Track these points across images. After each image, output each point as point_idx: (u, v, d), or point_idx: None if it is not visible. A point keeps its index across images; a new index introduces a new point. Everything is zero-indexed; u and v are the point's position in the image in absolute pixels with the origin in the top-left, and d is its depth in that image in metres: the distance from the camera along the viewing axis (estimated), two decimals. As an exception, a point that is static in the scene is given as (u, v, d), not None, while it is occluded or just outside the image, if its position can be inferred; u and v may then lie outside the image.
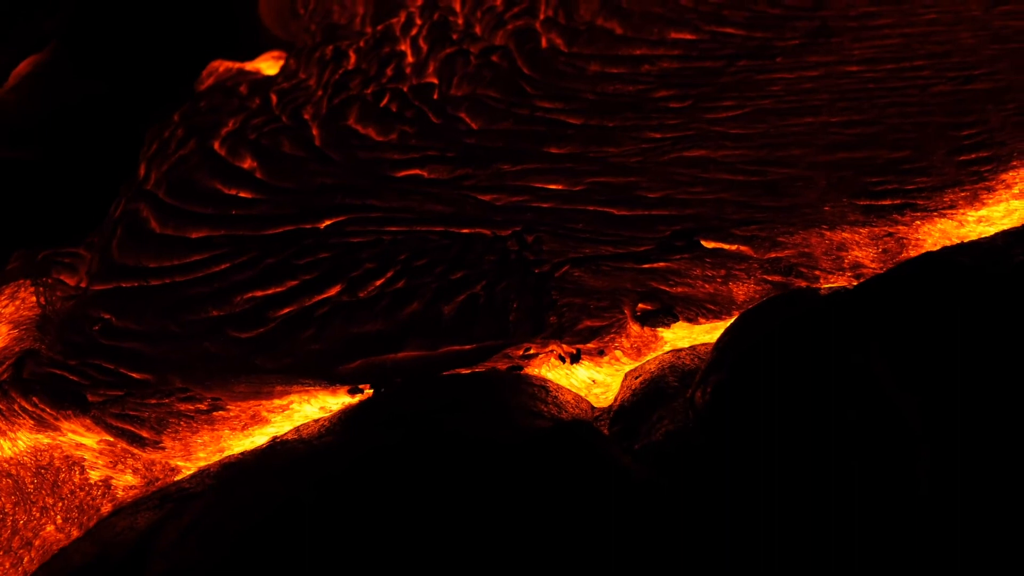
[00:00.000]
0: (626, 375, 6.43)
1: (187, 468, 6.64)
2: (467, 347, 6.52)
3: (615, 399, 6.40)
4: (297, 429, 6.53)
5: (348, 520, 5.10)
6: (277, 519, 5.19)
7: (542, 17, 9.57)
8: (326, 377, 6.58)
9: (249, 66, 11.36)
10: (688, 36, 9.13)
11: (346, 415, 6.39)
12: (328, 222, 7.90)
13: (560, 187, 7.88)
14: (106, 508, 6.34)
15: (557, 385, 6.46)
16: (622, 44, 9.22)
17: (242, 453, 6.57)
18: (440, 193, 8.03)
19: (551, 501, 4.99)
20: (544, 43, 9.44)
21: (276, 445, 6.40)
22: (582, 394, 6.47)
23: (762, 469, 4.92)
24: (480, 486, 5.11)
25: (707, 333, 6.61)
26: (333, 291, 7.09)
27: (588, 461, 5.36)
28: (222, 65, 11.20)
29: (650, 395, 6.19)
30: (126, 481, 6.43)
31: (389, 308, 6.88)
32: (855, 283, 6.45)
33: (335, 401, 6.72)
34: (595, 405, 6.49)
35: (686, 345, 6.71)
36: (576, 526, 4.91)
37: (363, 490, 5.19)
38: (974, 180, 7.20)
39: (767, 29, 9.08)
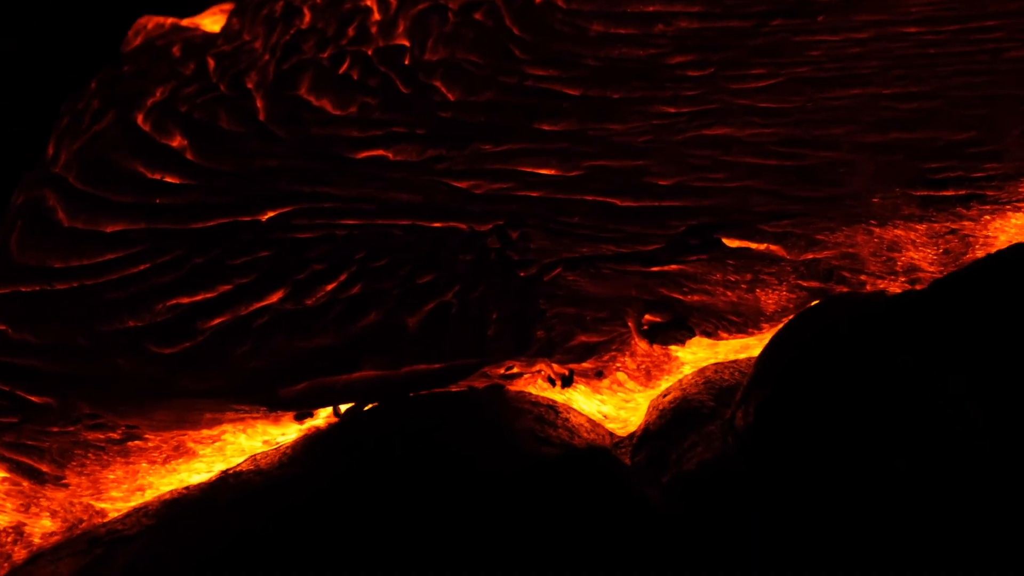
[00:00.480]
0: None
1: (116, 509, 6.45)
2: (435, 366, 6.40)
3: (641, 422, 6.38)
4: (253, 459, 6.50)
5: (312, 556, 5.11)
6: (228, 554, 5.12)
7: (537, -36, 9.46)
8: (266, 401, 6.51)
9: (187, 22, 11.24)
10: (712, -11, 9.01)
11: (313, 441, 6.36)
12: (271, 213, 7.87)
13: (552, 172, 7.84)
14: (20, 555, 6.24)
15: (567, 405, 6.41)
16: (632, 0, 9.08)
17: (186, 488, 6.50)
18: (407, 178, 7.99)
19: (559, 542, 5.02)
20: (538, -4, 9.33)
21: (228, 478, 6.38)
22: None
23: (818, 506, 4.95)
24: (472, 524, 5.14)
25: (735, 352, 6.49)
26: (274, 297, 7.03)
27: (605, 495, 5.40)
28: (151, 21, 11.06)
29: (681, 417, 6.19)
30: (43, 527, 6.38)
31: (342, 319, 6.81)
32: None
33: (278, 431, 6.64)
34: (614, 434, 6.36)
35: (707, 363, 6.53)
36: (591, 573, 4.89)
37: (330, 523, 5.16)
38: None
39: (809, -19, 8.92)
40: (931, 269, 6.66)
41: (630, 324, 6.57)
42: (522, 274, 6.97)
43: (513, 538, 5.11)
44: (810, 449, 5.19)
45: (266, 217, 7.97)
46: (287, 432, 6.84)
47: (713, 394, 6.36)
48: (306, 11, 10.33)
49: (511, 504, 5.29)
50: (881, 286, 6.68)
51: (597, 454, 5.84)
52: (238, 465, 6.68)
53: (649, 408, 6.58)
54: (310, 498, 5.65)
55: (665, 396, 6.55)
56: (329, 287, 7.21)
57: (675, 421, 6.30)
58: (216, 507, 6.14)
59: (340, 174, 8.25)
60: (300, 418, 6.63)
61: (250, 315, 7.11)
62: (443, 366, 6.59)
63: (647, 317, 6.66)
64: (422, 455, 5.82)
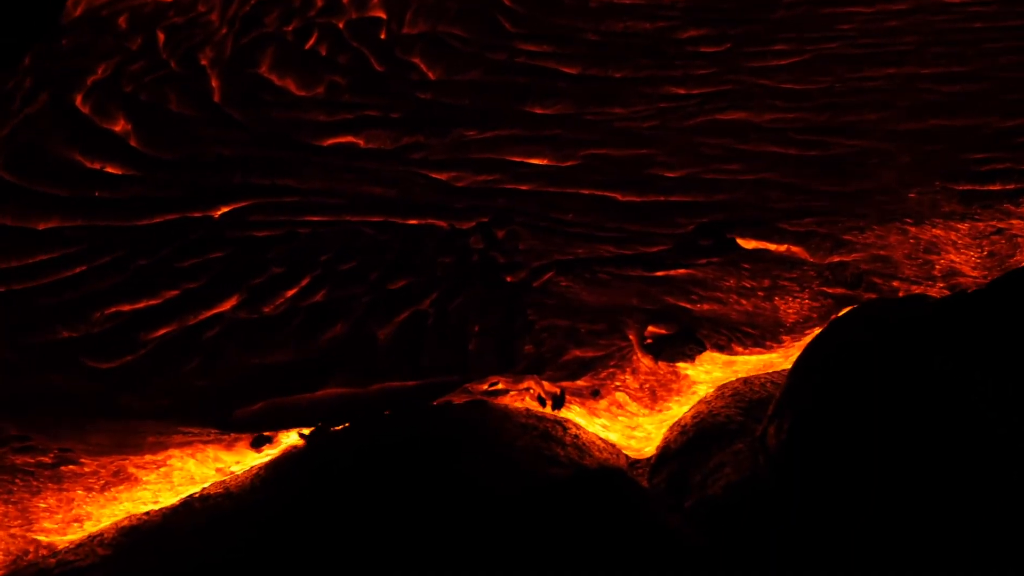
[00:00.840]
0: None
1: (64, 540, 6.47)
2: (409, 383, 6.41)
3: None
4: (224, 483, 6.42)
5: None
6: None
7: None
8: (217, 423, 6.52)
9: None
10: (730, -47, 9.05)
11: (290, 461, 6.32)
12: (225, 209, 7.88)
13: (545, 162, 7.84)
14: (-37, 590, 6.29)
15: (576, 422, 6.36)
16: (639, -35, 9.13)
17: (146, 513, 6.44)
18: (379, 169, 7.98)
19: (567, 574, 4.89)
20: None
21: (194, 502, 6.34)
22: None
23: (860, 533, 4.88)
24: (469, 552, 5.09)
25: (756, 371, 6.49)
26: (227, 305, 7.05)
27: (620, 522, 5.35)
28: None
29: (705, 433, 6.13)
30: (-16, 559, 6.37)
31: (303, 330, 6.81)
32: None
33: (232, 457, 6.65)
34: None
35: (725, 381, 6.53)
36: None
37: (311, 554, 5.25)
38: None
39: (839, -56, 8.96)
40: (974, 274, 6.66)
41: (631, 337, 6.56)
42: (509, 279, 6.95)
43: (511, 565, 5.06)
44: (856, 472, 5.09)
45: (219, 213, 7.96)
46: (243, 460, 6.84)
47: (741, 407, 6.31)
48: (269, -22, 10.35)
49: (511, 535, 5.26)
50: (915, 292, 6.63)
51: (610, 476, 5.83)
52: (205, 488, 6.60)
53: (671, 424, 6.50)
54: (288, 526, 5.64)
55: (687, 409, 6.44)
56: (289, 293, 7.19)
57: (698, 438, 6.23)
58: (180, 534, 6.10)
59: (304, 164, 8.24)
60: (257, 445, 6.61)
61: (199, 325, 7.10)
62: (418, 383, 6.55)
63: (650, 329, 6.64)
64: (415, 478, 5.82)
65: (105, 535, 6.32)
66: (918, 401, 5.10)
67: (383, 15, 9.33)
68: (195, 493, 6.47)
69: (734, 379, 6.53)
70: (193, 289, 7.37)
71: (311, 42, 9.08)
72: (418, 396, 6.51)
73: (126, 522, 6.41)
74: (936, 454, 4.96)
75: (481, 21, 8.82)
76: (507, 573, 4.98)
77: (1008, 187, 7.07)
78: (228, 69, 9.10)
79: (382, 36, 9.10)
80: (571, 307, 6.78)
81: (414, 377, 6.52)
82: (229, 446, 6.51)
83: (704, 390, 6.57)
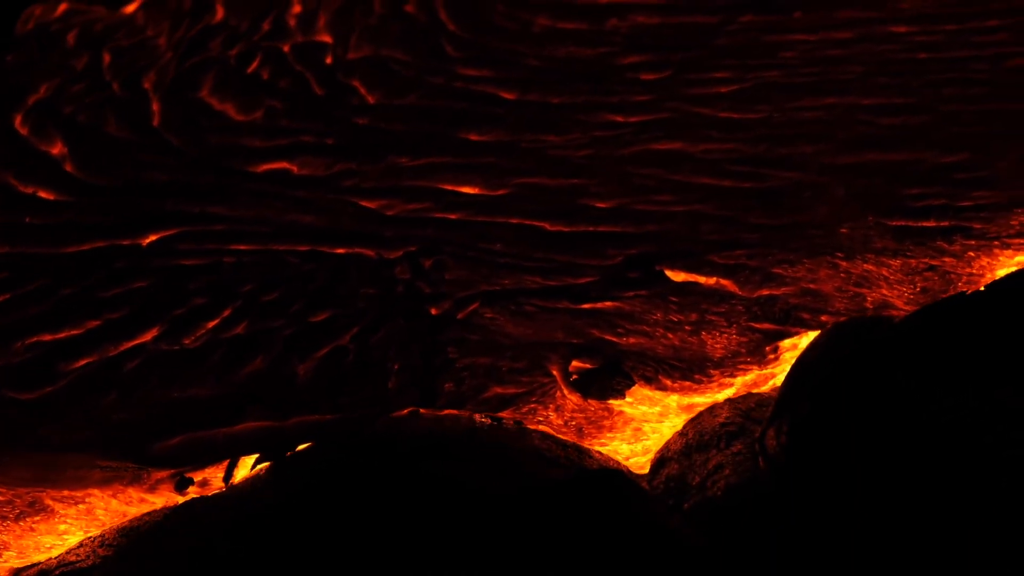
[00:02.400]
0: None
1: (60, 544, 6.54)
2: (328, 417, 6.36)
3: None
4: (228, 484, 6.48)
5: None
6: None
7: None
8: (137, 458, 6.45)
9: (99, 8, 11.22)
10: (676, -21, 9.01)
11: (294, 462, 6.38)
12: (153, 237, 7.86)
13: (476, 190, 7.85)
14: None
15: None
16: (583, -11, 9.09)
17: (148, 513, 6.50)
18: (310, 197, 7.99)
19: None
20: (479, -18, 9.34)
21: (195, 503, 6.39)
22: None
23: (859, 535, 4.93)
24: (467, 552, 5.13)
25: (696, 399, 6.40)
26: (148, 336, 7.02)
27: (620, 522, 5.37)
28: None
29: (705, 436, 6.18)
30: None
31: (224, 364, 6.80)
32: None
33: (159, 499, 6.60)
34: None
35: (663, 416, 6.55)
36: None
37: (316, 551, 5.34)
38: None
39: (786, -30, 8.93)
40: (907, 308, 6.61)
41: (555, 373, 6.51)
42: (433, 310, 6.93)
43: (514, 571, 5.06)
44: (855, 474, 5.14)
45: (148, 241, 7.93)
46: (170, 501, 6.79)
47: (740, 409, 6.35)
48: (219, 7, 10.31)
49: (512, 534, 5.29)
50: (844, 319, 6.59)
51: (610, 477, 5.82)
52: (205, 490, 6.65)
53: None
54: (293, 524, 5.67)
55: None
56: (210, 324, 7.17)
57: (697, 440, 6.28)
58: (182, 534, 6.15)
59: (236, 191, 8.22)
60: (181, 488, 6.58)
61: (120, 356, 7.06)
62: (337, 417, 6.50)
63: (575, 364, 6.58)
64: (417, 478, 5.84)
65: (106, 536, 6.39)
66: (917, 404, 5.14)
67: (329, 39, 9.24)
68: (197, 496, 6.52)
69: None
70: (114, 319, 7.33)
71: (254, 66, 9.06)
72: (337, 429, 6.46)
73: (126, 522, 6.46)
74: (933, 458, 4.99)
75: (423, 45, 8.81)
76: (506, 573, 5.01)
77: (942, 224, 7.04)
78: (169, 93, 9.08)
79: (328, 61, 9.03)
80: (493, 344, 6.74)
81: (333, 411, 6.44)
82: (152, 489, 6.46)
83: (649, 427, 6.48)
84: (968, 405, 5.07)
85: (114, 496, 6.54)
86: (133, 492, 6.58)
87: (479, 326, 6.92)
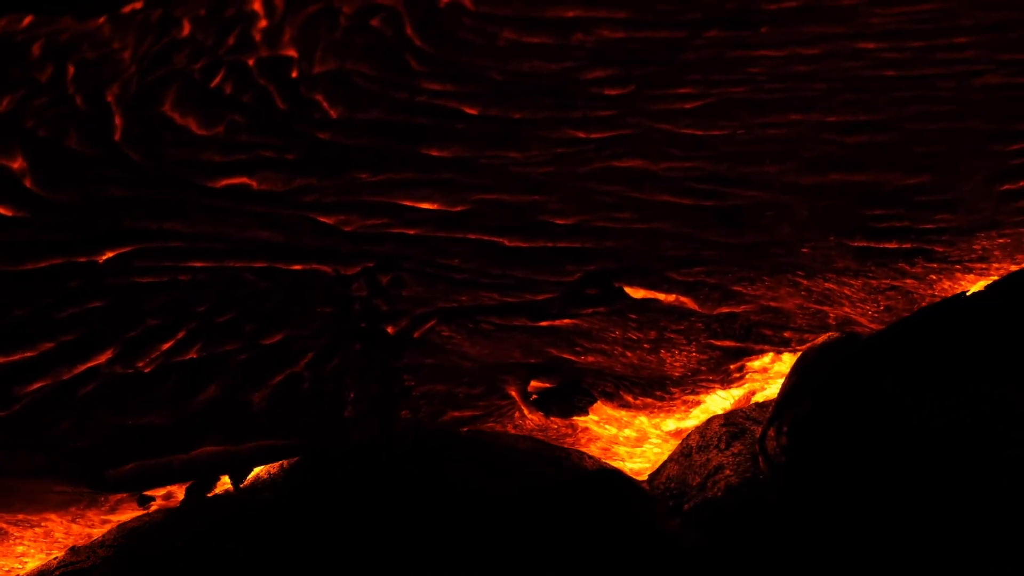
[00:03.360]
0: None
1: (19, 567, 6.49)
2: (283, 441, 6.33)
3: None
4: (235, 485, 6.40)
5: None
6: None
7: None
8: (93, 483, 6.40)
9: (67, 19, 11.20)
10: (643, -8, 9.00)
11: (300, 468, 6.30)
12: (110, 254, 7.82)
13: (435, 206, 7.85)
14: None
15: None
16: (550, 3, 9.11)
17: (148, 515, 6.43)
18: (268, 213, 7.96)
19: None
20: (446, -3, 9.34)
21: (196, 504, 6.38)
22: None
23: (862, 536, 4.93)
24: (464, 552, 5.14)
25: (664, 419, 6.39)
26: (102, 358, 6.98)
27: (620, 523, 5.38)
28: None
29: (706, 438, 6.16)
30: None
31: (177, 391, 6.77)
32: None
33: (118, 516, 6.55)
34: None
35: (641, 441, 6.50)
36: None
37: (307, 549, 5.36)
38: (1019, 221, 7.02)
39: (753, -16, 8.94)
40: (872, 326, 6.61)
41: (513, 394, 6.48)
42: (390, 329, 6.89)
43: (513, 571, 5.06)
44: (855, 475, 5.12)
45: (104, 258, 7.89)
46: (130, 515, 6.76)
47: (743, 412, 6.32)
48: (186, 22, 10.30)
49: (511, 534, 5.29)
50: (810, 337, 6.60)
51: (610, 477, 5.80)
52: (212, 490, 6.58)
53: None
54: (292, 525, 5.66)
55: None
56: (164, 346, 7.13)
57: (697, 440, 6.26)
58: (182, 535, 6.11)
59: (194, 207, 8.21)
60: (144, 503, 6.55)
61: (74, 380, 7.02)
62: (295, 442, 6.47)
63: (534, 384, 6.55)
64: (416, 479, 5.86)
65: (107, 537, 6.33)
66: (909, 407, 5.12)
67: (294, 53, 9.23)
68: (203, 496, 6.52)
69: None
70: (68, 342, 7.27)
71: (217, 79, 9.05)
72: (295, 451, 6.43)
73: (127, 522, 6.41)
74: (930, 459, 5.00)
75: (388, 59, 8.79)
76: (505, 573, 5.01)
77: (904, 246, 7.04)
78: (132, 107, 9.08)
79: (293, 74, 9.01)
80: (451, 368, 6.75)
81: (289, 437, 6.41)
82: (113, 510, 6.46)
83: (623, 451, 6.47)
84: (962, 405, 5.05)
85: (73, 521, 6.52)
86: (93, 515, 6.55)
87: (436, 346, 6.89)
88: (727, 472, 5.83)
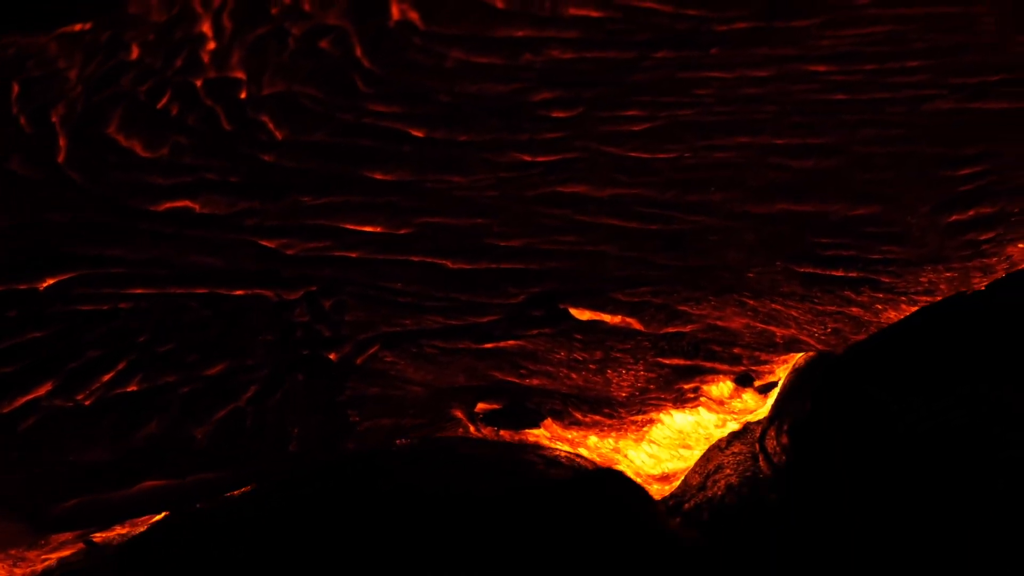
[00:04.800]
0: None
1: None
2: (227, 473, 6.32)
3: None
4: (219, 498, 6.42)
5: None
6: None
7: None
8: (35, 521, 6.37)
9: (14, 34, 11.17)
10: (593, 13, 9.06)
11: (294, 482, 6.34)
12: (51, 281, 7.81)
13: (378, 229, 7.91)
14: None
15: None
16: (500, 23, 9.12)
17: (150, 520, 6.44)
18: (210, 237, 7.96)
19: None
20: (396, 14, 9.34)
21: (195, 512, 6.35)
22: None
23: (861, 535, 5.00)
24: (465, 552, 5.21)
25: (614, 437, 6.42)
26: (42, 390, 6.97)
27: (621, 522, 5.42)
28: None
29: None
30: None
31: (118, 427, 6.78)
32: (791, 356, 6.35)
33: (60, 554, 6.51)
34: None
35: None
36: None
37: (298, 555, 5.40)
38: (966, 255, 7.11)
39: (704, 5, 8.99)
40: (819, 346, 6.61)
41: (460, 416, 6.49)
42: (333, 356, 6.86)
43: (510, 566, 5.06)
44: (854, 474, 5.16)
45: (44, 285, 7.87)
46: (62, 553, 6.73)
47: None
48: (135, 47, 10.28)
49: (512, 534, 5.27)
50: (763, 358, 6.59)
51: (610, 477, 5.77)
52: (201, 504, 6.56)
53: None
54: (281, 537, 5.62)
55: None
56: (105, 377, 7.12)
57: None
58: (182, 539, 6.11)
59: (135, 232, 8.21)
60: (88, 545, 6.51)
61: (15, 413, 7.01)
62: (238, 475, 6.45)
63: (481, 406, 6.56)
64: (416, 481, 5.84)
65: (106, 542, 6.38)
66: (904, 411, 5.14)
67: (242, 75, 9.23)
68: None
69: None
70: (6, 373, 7.26)
71: (163, 101, 9.07)
72: (238, 483, 6.41)
73: (127, 529, 6.47)
74: (928, 459, 5.09)
75: (336, 81, 8.80)
76: (506, 573, 5.05)
77: (851, 275, 7.10)
78: (77, 129, 9.04)
79: (242, 95, 9.00)
80: (394, 398, 6.76)
81: (232, 470, 6.39)
82: (55, 550, 6.39)
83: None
84: (955, 407, 5.09)
85: (15, 565, 6.44)
86: (34, 556, 6.49)
87: (379, 372, 6.91)
88: (727, 471, 5.88)
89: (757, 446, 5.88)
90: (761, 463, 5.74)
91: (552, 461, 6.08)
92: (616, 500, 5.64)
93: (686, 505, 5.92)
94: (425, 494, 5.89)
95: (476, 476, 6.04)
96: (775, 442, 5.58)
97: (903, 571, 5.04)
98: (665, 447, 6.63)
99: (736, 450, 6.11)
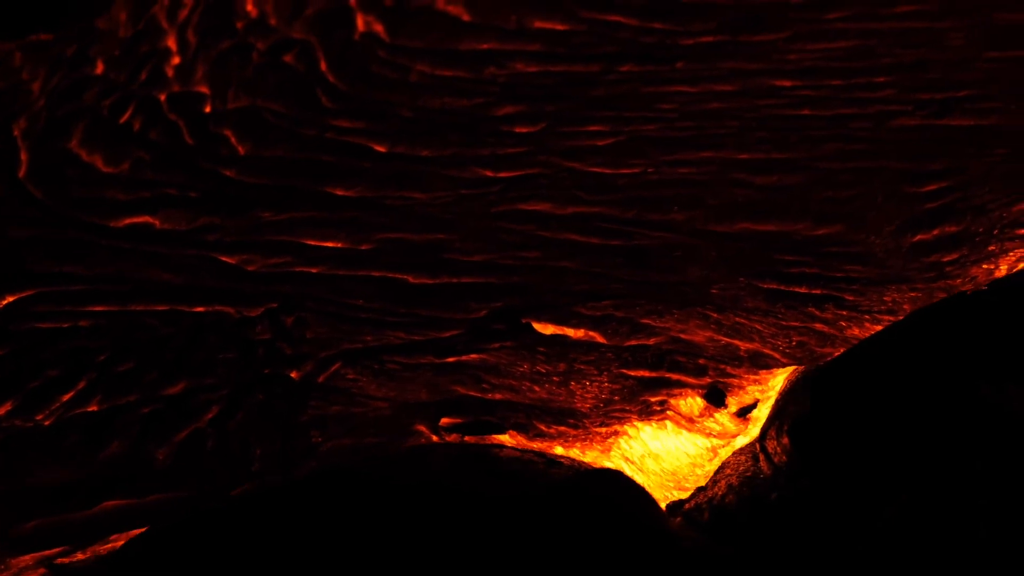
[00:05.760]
0: None
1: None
2: (189, 493, 6.36)
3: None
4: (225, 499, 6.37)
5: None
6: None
7: (363, -12, 9.55)
8: (-6, 544, 6.35)
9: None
10: (558, 26, 9.11)
11: (308, 486, 6.19)
12: (10, 299, 7.81)
13: (339, 244, 7.90)
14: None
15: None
16: (465, 35, 9.18)
17: (153, 523, 6.31)
18: (170, 253, 7.98)
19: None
20: (361, 27, 9.41)
21: (195, 515, 6.24)
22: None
23: (862, 534, 4.99)
24: (466, 552, 5.17)
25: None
26: (1, 411, 6.99)
27: (622, 521, 5.38)
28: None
29: None
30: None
31: (78, 449, 6.73)
32: (762, 375, 6.39)
33: (26, 577, 6.52)
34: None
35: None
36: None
37: (305, 558, 5.33)
38: (930, 277, 7.10)
39: (670, 19, 9.03)
40: (784, 360, 6.67)
41: (423, 430, 6.53)
42: (294, 374, 6.91)
43: (515, 565, 5.08)
44: (853, 473, 5.19)
45: (5, 303, 7.87)
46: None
47: None
48: (100, 62, 10.34)
49: (513, 534, 5.27)
50: (729, 371, 6.65)
51: (610, 476, 5.80)
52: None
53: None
54: (294, 530, 5.66)
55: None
56: (65, 397, 7.12)
57: None
58: (182, 543, 6.07)
59: (95, 248, 8.22)
60: (49, 567, 6.53)
61: (-27, 435, 6.83)
62: (201, 494, 6.49)
63: (445, 420, 6.61)
64: (417, 484, 5.82)
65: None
66: (913, 410, 5.19)
67: (206, 90, 9.29)
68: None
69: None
70: (-32, 393, 6.97)
71: (126, 115, 9.09)
72: (203, 505, 6.44)
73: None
74: (929, 459, 5.08)
75: (300, 95, 8.83)
76: (510, 571, 5.04)
77: (815, 292, 7.09)
78: (39, 143, 9.04)
79: (206, 110, 9.05)
80: (356, 417, 6.76)
81: (195, 490, 6.43)
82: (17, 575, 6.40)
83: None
84: (958, 406, 5.15)
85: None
86: (-4, 578, 6.49)
87: (341, 390, 6.90)
88: (727, 471, 5.90)
89: (757, 446, 5.92)
90: (761, 463, 5.77)
91: (552, 461, 6.12)
92: (617, 499, 5.59)
93: (686, 505, 5.96)
94: (428, 495, 5.92)
95: (478, 476, 6.08)
96: (775, 442, 5.57)
97: (903, 571, 5.10)
98: (656, 487, 6.48)
99: (742, 449, 6.08)
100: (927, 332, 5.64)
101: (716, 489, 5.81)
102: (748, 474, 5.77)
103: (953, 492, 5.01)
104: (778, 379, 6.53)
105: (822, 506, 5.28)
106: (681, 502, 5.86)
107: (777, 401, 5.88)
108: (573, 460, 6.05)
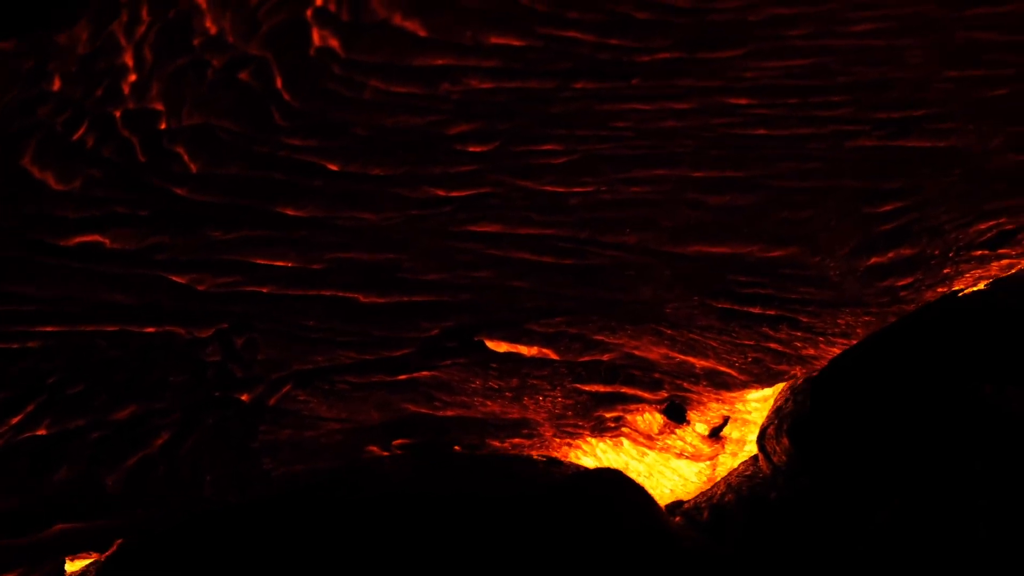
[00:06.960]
0: None
1: None
2: (140, 515, 6.40)
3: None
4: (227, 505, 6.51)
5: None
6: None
7: (318, 3, 9.55)
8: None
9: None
10: (514, 42, 9.13)
11: (314, 490, 6.61)
12: (-40, 319, 7.64)
13: (289, 264, 7.98)
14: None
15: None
16: (420, 51, 9.21)
17: (147, 529, 6.63)
18: (120, 273, 8.04)
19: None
20: (317, 41, 9.46)
21: (195, 520, 6.56)
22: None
23: (862, 533, 5.18)
24: (467, 552, 5.39)
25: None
26: (-49, 434, 6.88)
27: (623, 521, 5.62)
28: None
29: None
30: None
31: (28, 474, 6.88)
32: (724, 395, 6.43)
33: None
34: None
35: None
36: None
37: (307, 559, 5.48)
38: (884, 302, 7.23)
39: (627, 35, 9.07)
40: (742, 377, 6.70)
41: (377, 452, 6.59)
42: (245, 397, 6.93)
43: (516, 565, 5.20)
44: (853, 472, 5.33)
45: (-47, 323, 7.74)
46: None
47: None
48: (57, 78, 10.36)
49: (513, 534, 5.43)
50: (687, 387, 6.69)
51: (612, 476, 5.82)
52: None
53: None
54: (296, 531, 5.64)
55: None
56: (14, 420, 7.21)
57: None
58: (182, 547, 6.18)
59: (45, 268, 8.26)
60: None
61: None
62: (153, 515, 6.52)
63: (397, 442, 6.66)
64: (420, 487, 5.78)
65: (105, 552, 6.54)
66: (913, 410, 5.45)
67: (161, 107, 9.32)
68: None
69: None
70: (-85, 417, 7.01)
71: (79, 132, 9.07)
72: (157, 527, 6.48)
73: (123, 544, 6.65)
74: (929, 459, 5.30)
75: (253, 113, 8.84)
76: (509, 572, 5.23)
77: (769, 312, 7.24)
78: (-10, 160, 8.99)
79: (162, 127, 9.08)
80: (307, 441, 6.89)
81: (146, 510, 6.45)
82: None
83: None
84: (957, 406, 5.21)
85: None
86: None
87: (292, 412, 7.04)
88: (728, 471, 5.96)
89: (757, 446, 5.96)
90: (761, 463, 5.84)
91: (552, 460, 6.15)
92: (618, 499, 5.79)
93: (686, 504, 6.02)
94: (430, 496, 5.94)
95: (479, 476, 6.10)
96: (774, 442, 5.64)
97: (904, 570, 5.17)
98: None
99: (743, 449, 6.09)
100: (927, 332, 5.82)
101: (715, 489, 5.93)
102: (747, 473, 5.96)
103: (953, 492, 5.18)
104: (748, 400, 6.60)
105: (822, 505, 5.48)
106: (681, 502, 5.91)
107: (776, 402, 5.85)
108: (572, 462, 6.02)
